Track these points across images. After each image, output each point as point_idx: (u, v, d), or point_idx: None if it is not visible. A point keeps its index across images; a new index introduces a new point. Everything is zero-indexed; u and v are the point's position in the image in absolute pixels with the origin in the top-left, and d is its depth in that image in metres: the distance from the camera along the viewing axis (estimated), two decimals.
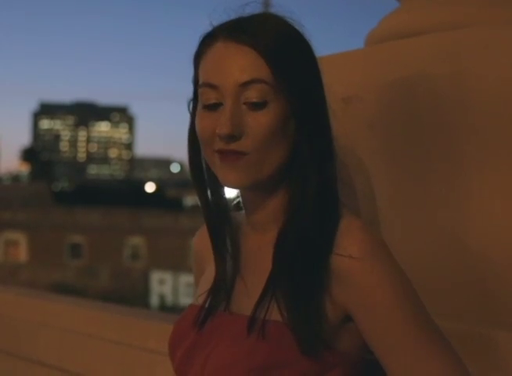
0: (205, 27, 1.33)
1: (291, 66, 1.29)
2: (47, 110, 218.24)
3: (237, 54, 1.29)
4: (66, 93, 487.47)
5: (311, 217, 1.30)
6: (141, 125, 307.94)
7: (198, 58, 1.36)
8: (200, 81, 1.33)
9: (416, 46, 1.74)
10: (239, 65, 1.28)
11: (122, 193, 71.07)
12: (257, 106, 1.28)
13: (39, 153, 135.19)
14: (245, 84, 1.28)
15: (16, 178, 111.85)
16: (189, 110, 1.41)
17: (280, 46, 1.29)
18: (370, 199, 1.68)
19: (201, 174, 1.41)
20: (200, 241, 1.56)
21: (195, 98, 1.39)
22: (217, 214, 1.42)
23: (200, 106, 1.35)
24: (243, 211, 1.43)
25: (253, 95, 1.28)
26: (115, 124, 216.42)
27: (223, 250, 1.41)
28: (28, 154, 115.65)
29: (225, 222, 1.42)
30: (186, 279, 39.63)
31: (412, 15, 1.91)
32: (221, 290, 1.39)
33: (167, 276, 44.23)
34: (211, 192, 1.41)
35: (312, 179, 1.31)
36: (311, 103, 1.31)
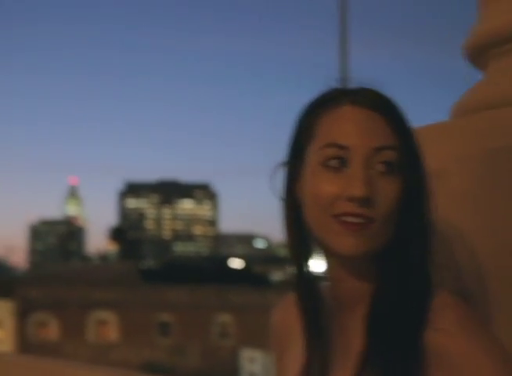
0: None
1: (410, 137, 1.30)
2: (132, 189, 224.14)
3: (369, 119, 1.28)
4: (150, 172, 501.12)
5: (407, 292, 1.25)
6: (224, 202, 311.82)
7: (316, 118, 1.33)
8: (325, 141, 1.29)
9: None
10: (373, 129, 1.27)
11: (208, 269, 71.61)
12: (387, 172, 1.26)
13: (126, 232, 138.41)
14: (378, 149, 1.27)
15: (104, 257, 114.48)
16: (290, 174, 1.37)
17: (402, 116, 1.31)
18: (468, 273, 1.62)
19: (300, 242, 1.36)
20: (282, 318, 1.51)
21: (295, 159, 1.35)
22: (308, 287, 1.36)
23: (315, 168, 1.30)
24: (325, 284, 1.38)
25: (384, 160, 1.26)
26: (198, 202, 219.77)
27: (314, 327, 1.34)
28: (115, 233, 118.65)
29: (316, 296, 1.36)
30: None
31: (501, 86, 1.88)
32: (315, 372, 1.32)
33: (258, 355, 43.88)
34: (304, 263, 1.37)
35: (413, 254, 1.27)
36: (423, 176, 1.31)
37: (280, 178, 1.37)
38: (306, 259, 1.35)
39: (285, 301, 1.45)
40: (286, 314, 1.43)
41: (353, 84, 1.34)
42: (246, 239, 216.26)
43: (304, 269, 1.35)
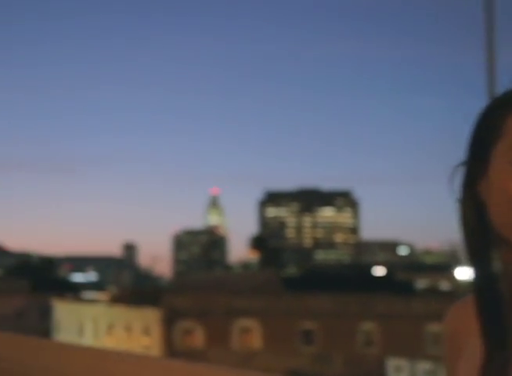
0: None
1: None
2: (272, 198, 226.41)
3: None
4: (289, 180, 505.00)
5: None
6: (365, 209, 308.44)
7: (503, 117, 1.30)
8: None
9: None
10: None
11: (350, 277, 71.13)
12: None
13: (267, 241, 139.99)
14: None
15: (246, 265, 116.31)
16: (472, 174, 1.33)
17: None
18: None
19: (483, 242, 1.32)
20: (457, 320, 1.43)
21: (478, 159, 1.33)
22: (492, 289, 1.31)
23: (506, 167, 1.26)
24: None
25: None
26: (339, 209, 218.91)
27: (496, 328, 1.27)
28: (256, 242, 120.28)
29: (500, 298, 1.30)
30: (424, 366, 38.42)
31: None
32: (495, 373, 1.24)
33: (404, 364, 43.13)
34: (488, 263, 1.32)
35: None
36: None
37: (449, 180, 1.35)
38: (489, 260, 1.32)
39: (457, 307, 1.41)
40: (463, 316, 1.39)
41: None
42: (389, 246, 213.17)
43: (488, 270, 1.32)
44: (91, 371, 4.39)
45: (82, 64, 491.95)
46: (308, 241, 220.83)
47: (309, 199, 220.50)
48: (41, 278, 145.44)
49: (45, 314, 79.54)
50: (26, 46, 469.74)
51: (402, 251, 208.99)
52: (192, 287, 57.61)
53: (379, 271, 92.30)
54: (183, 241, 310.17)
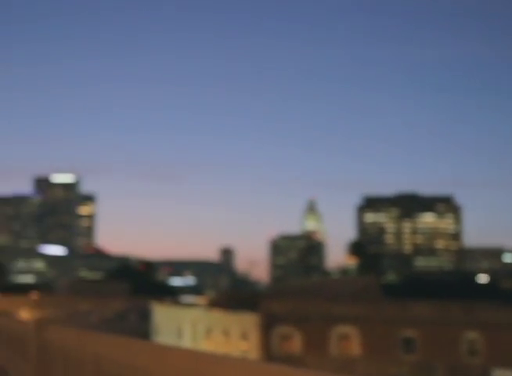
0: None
1: None
2: (370, 203, 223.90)
3: None
4: (388, 185, 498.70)
5: None
6: (468, 214, 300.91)
7: None
8: None
9: None
10: None
11: (452, 285, 69.55)
12: None
13: (365, 247, 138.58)
14: None
15: (344, 271, 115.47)
16: None
17: None
18: None
19: None
20: None
21: None
22: None
23: None
24: None
25: None
26: (440, 215, 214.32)
27: None
28: (355, 248, 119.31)
29: None
30: None
31: None
32: None
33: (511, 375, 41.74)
34: None
35: None
36: None
37: None
38: None
39: None
40: None
41: None
42: (493, 253, 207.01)
43: None
44: (193, 374, 4.35)
45: (192, 76, 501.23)
46: (407, 247, 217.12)
47: (409, 204, 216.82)
48: (141, 281, 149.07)
49: (145, 317, 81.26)
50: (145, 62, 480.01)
51: (507, 258, 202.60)
52: (290, 292, 57.54)
53: (482, 278, 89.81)
54: (280, 246, 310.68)
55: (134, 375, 6.16)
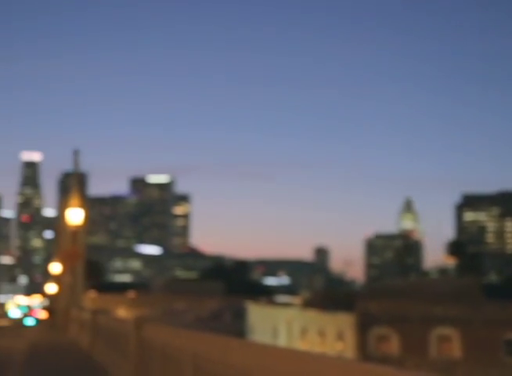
0: None
1: None
2: (470, 201, 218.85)
3: None
4: (488, 183, 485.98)
5: None
6: None
7: None
8: None
9: None
10: None
11: None
12: None
13: (465, 246, 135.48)
14: None
15: (443, 271, 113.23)
16: None
17: None
18: None
19: None
20: None
21: None
22: None
23: None
24: None
25: None
26: None
27: None
28: (454, 247, 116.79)
29: None
30: None
31: None
32: None
33: None
34: None
35: None
36: None
37: None
38: None
39: None
40: None
41: None
42: None
43: None
44: (293, 374, 4.31)
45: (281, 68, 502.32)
46: (510, 247, 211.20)
47: (511, 202, 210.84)
48: (235, 281, 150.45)
49: (239, 316, 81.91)
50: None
51: None
52: (386, 292, 56.87)
53: None
54: (376, 245, 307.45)
55: (232, 374, 6.19)
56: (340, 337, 55.26)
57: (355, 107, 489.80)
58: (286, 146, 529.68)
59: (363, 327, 51.83)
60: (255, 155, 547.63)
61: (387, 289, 59.92)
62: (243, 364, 5.86)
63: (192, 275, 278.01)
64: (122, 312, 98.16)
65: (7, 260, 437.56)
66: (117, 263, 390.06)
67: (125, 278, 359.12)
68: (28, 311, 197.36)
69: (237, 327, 71.02)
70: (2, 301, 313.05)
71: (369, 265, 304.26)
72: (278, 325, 65.73)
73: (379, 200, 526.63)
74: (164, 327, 10.84)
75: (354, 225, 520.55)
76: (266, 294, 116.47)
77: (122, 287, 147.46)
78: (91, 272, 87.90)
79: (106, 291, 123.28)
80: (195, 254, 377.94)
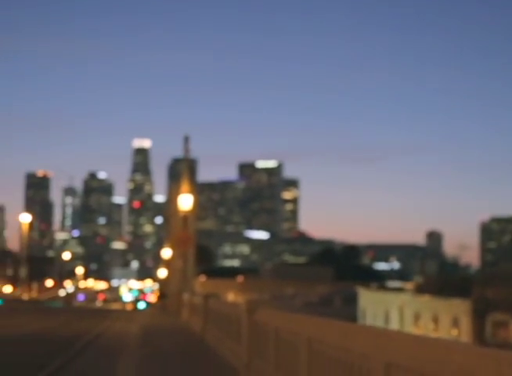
0: None
1: None
2: None
3: None
4: None
5: None
6: None
7: None
8: None
9: None
10: None
11: None
12: None
13: None
14: None
15: None
16: None
17: None
18: None
19: None
20: None
21: None
22: None
23: None
24: None
25: None
26: None
27: None
28: None
29: None
30: None
31: None
32: None
33: None
34: None
35: None
36: None
37: None
38: None
39: None
40: None
41: None
42: None
43: None
44: (416, 359, 4.17)
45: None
46: None
47: None
48: (345, 266, 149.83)
49: (349, 301, 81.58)
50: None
51: None
52: (504, 278, 55.29)
53: None
54: (492, 229, 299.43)
55: (351, 358, 6.12)
56: (455, 323, 54.19)
57: (466, 90, 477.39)
58: (399, 129, 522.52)
59: (480, 314, 50.62)
60: (365, 139, 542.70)
61: (504, 274, 58.22)
62: (361, 349, 5.78)
63: (300, 260, 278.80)
64: (231, 297, 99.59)
65: (119, 245, 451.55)
66: (226, 248, 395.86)
67: (234, 263, 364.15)
68: (140, 295, 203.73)
69: (348, 313, 70.73)
70: (115, 285, 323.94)
71: (485, 250, 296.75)
72: (389, 311, 65.09)
73: (494, 183, 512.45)
74: (276, 311, 10.88)
75: (468, 208, 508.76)
76: (376, 280, 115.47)
77: (231, 272, 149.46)
78: (201, 257, 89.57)
79: (215, 276, 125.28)
80: (304, 239, 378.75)
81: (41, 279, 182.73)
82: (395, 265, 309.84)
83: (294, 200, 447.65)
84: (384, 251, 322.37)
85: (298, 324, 8.45)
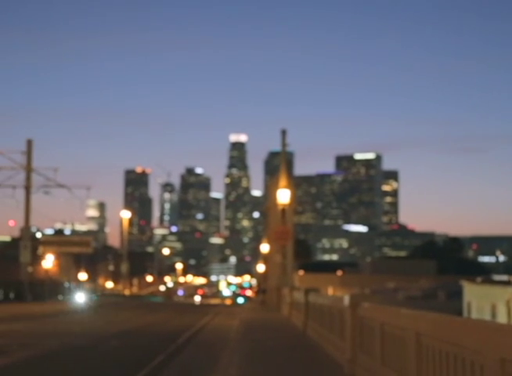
0: None
1: None
2: None
3: None
4: None
5: None
6: None
7: None
8: None
9: None
10: None
11: None
12: None
13: None
14: None
15: None
16: None
17: None
18: None
19: None
20: None
21: None
22: None
23: None
24: None
25: None
26: None
27: None
28: None
29: None
30: None
31: None
32: None
33: None
34: None
35: None
36: None
37: None
38: None
39: None
40: None
41: None
42: None
43: None
44: None
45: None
46: None
47: None
48: (448, 259, 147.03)
49: (453, 295, 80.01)
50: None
51: None
52: None
53: None
54: None
55: (460, 354, 6.03)
56: None
57: None
58: (502, 119, 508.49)
59: None
60: (468, 129, 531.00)
61: None
62: (474, 344, 5.68)
63: (401, 253, 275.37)
64: (330, 292, 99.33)
65: (217, 240, 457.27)
66: (324, 242, 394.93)
67: (332, 257, 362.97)
68: (239, 290, 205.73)
69: (452, 307, 69.40)
70: (214, 280, 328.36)
71: None
72: (497, 304, 63.56)
73: None
74: (381, 306, 10.79)
75: None
76: (481, 273, 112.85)
77: (329, 266, 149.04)
78: (299, 251, 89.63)
79: (313, 271, 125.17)
80: (404, 232, 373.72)
81: (141, 274, 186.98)
82: (501, 258, 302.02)
83: (394, 193, 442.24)
84: (488, 244, 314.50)
85: (406, 319, 8.37)
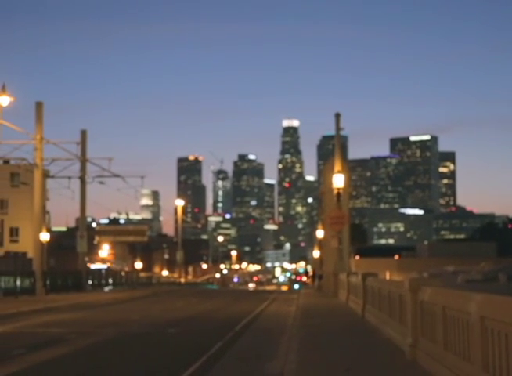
0: None
1: None
2: None
3: None
4: None
5: None
6: None
7: None
8: None
9: None
10: None
11: None
12: None
13: None
14: None
15: None
16: None
17: None
18: None
19: None
20: None
21: None
22: None
23: None
24: None
25: None
26: None
27: None
28: None
29: None
30: None
31: None
32: None
33: None
34: None
35: None
36: None
37: None
38: None
39: None
40: None
41: None
42: None
43: None
44: None
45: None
46: None
47: None
48: (509, 241, 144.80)
49: None
50: None
51: None
52: None
53: None
54: None
55: None
56: None
57: None
58: None
59: None
60: None
61: None
62: None
63: (459, 236, 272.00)
64: (387, 276, 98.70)
65: (271, 227, 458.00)
66: (381, 226, 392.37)
67: (389, 241, 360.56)
68: (294, 276, 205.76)
69: None
70: (269, 266, 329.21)
71: None
72: None
73: None
74: (443, 289, 10.70)
75: None
76: None
77: (386, 251, 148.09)
78: (355, 236, 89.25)
79: (369, 255, 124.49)
80: (462, 214, 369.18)
81: (196, 262, 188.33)
82: None
83: (451, 174, 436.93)
84: None
85: (469, 302, 8.28)
